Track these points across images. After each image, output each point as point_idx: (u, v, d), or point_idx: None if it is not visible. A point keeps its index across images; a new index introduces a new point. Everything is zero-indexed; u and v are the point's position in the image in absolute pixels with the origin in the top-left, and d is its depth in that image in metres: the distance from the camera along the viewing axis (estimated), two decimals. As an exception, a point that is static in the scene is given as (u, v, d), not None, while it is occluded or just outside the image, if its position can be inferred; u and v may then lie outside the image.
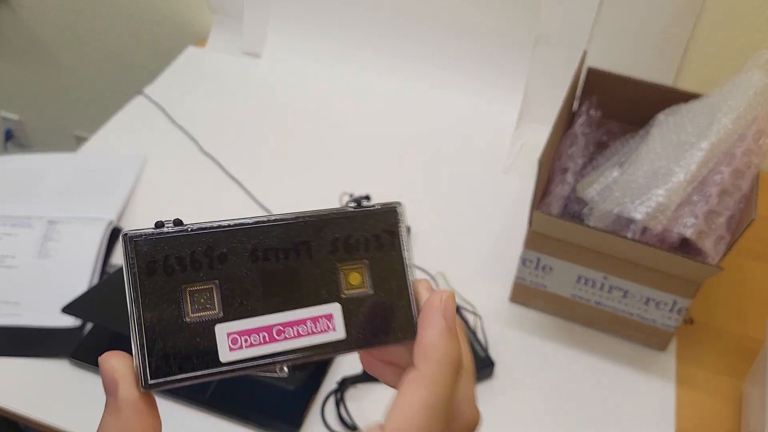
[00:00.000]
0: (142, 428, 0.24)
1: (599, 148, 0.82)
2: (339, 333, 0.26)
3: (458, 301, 0.78)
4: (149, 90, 1.07)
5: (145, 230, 0.25)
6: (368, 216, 0.27)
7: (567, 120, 0.82)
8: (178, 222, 0.25)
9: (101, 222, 0.84)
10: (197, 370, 0.24)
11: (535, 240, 0.71)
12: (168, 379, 0.24)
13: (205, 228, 0.25)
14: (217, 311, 0.25)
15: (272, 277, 0.25)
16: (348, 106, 1.06)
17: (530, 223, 0.70)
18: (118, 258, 0.81)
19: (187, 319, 0.25)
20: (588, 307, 0.74)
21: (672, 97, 0.77)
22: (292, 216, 0.26)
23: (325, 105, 1.06)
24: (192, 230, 0.25)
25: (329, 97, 1.07)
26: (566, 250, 0.70)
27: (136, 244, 0.24)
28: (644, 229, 0.69)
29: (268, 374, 0.25)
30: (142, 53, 1.33)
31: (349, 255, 0.27)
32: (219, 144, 0.98)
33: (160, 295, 0.24)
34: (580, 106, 0.84)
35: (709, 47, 0.92)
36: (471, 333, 0.74)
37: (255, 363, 0.25)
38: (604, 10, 0.92)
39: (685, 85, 0.95)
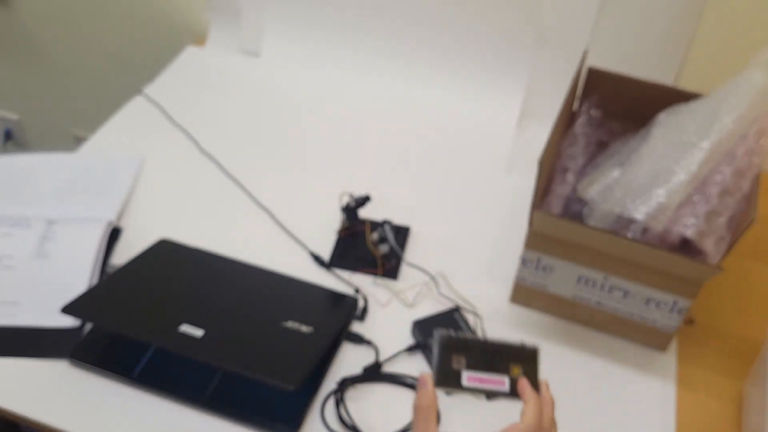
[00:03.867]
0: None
1: (600, 148, 0.82)
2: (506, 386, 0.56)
3: (458, 301, 0.78)
4: (148, 90, 1.07)
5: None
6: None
7: (567, 119, 0.82)
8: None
9: (100, 222, 0.83)
10: (449, 386, 0.54)
11: (536, 240, 0.71)
12: (444, 387, 0.54)
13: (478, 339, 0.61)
14: (464, 367, 0.55)
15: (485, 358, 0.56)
16: (348, 104, 1.06)
17: (531, 223, 0.70)
18: (118, 258, 0.81)
19: (455, 367, 0.54)
20: (588, 307, 0.74)
21: (673, 97, 0.77)
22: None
23: (325, 103, 1.06)
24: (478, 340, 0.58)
25: (329, 96, 1.07)
26: (567, 250, 0.70)
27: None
28: (645, 229, 0.69)
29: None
30: (140, 53, 1.32)
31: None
32: (218, 143, 0.98)
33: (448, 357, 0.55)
34: (580, 105, 0.84)
35: (711, 46, 0.92)
36: (471, 333, 0.73)
37: (472, 388, 0.54)
38: (605, 9, 0.92)
39: (687, 84, 0.95)
